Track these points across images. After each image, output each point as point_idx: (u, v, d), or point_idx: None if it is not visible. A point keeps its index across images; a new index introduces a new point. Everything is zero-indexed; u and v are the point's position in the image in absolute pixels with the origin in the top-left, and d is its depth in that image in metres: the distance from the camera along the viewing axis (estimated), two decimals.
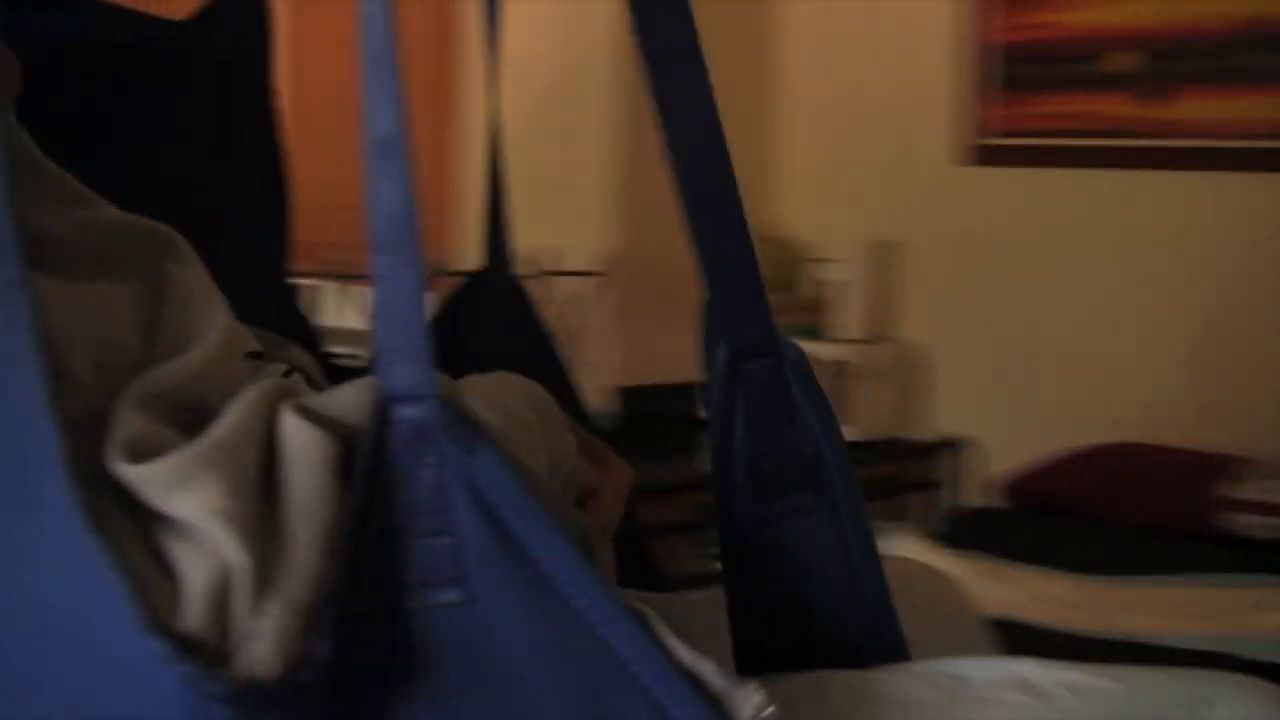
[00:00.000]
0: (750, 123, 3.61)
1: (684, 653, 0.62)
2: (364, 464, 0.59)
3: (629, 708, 0.60)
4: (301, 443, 0.60)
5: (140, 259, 0.70)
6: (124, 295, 0.68)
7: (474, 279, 1.10)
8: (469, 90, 3.26)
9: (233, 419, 0.61)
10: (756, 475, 0.76)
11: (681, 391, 3.35)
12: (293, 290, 1.15)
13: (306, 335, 1.09)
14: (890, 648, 0.79)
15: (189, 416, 0.63)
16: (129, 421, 0.60)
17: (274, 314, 1.06)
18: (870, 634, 0.78)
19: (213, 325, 0.68)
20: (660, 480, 2.72)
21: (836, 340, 3.42)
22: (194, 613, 0.57)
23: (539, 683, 0.60)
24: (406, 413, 0.60)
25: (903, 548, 2.46)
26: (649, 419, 3.17)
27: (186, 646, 0.56)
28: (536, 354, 1.08)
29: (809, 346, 3.03)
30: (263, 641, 0.57)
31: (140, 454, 0.59)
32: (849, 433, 3.17)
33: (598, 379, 3.13)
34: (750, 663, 0.78)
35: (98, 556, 0.54)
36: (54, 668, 0.58)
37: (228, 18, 1.06)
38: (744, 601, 0.78)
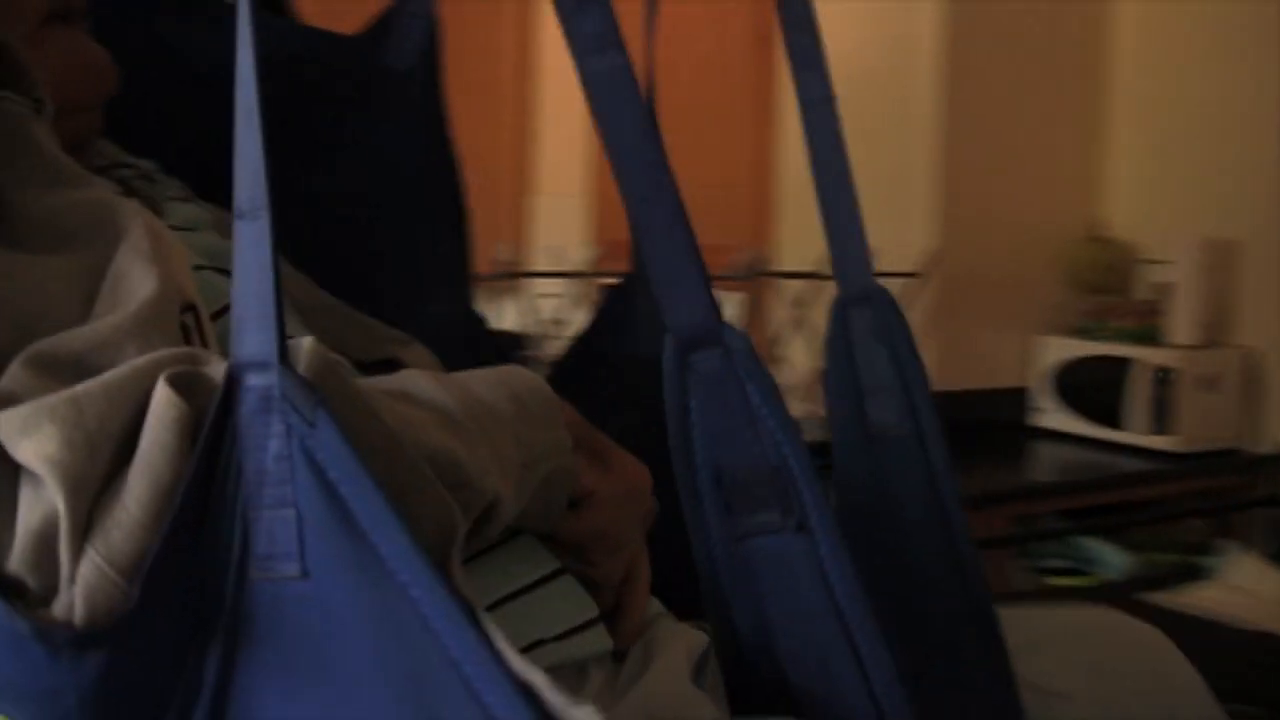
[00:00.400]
0: (1079, 122, 3.51)
1: (517, 661, 0.57)
2: (207, 429, 0.59)
3: (453, 705, 0.57)
4: (156, 404, 0.61)
5: (95, 238, 0.72)
6: (71, 272, 0.70)
7: (619, 287, 1.09)
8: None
9: (101, 379, 0.62)
10: (719, 486, 0.67)
11: (1003, 396, 3.28)
12: (471, 294, 1.16)
13: (484, 339, 1.11)
14: (888, 707, 0.68)
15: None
16: (9, 375, 0.63)
17: (450, 318, 1.10)
18: (855, 686, 0.68)
19: (136, 301, 0.68)
20: (981, 491, 2.66)
21: (1169, 345, 3.28)
22: (19, 554, 0.60)
23: (368, 666, 0.59)
24: (254, 380, 0.60)
25: (1239, 569, 2.34)
26: (968, 426, 3.11)
27: (8, 584, 0.59)
28: None
29: (1140, 352, 2.89)
30: (75, 588, 0.59)
31: (6, 403, 0.61)
32: (1170, 443, 3.08)
33: None
34: (738, 703, 0.72)
35: None
36: None
37: (398, 30, 1.09)
38: (722, 633, 0.70)
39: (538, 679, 0.57)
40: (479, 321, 1.17)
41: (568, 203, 3.93)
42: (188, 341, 0.69)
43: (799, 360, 3.10)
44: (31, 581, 0.60)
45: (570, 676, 0.82)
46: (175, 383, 0.61)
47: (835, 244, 0.87)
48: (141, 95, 0.81)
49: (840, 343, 0.86)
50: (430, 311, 1.10)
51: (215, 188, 0.97)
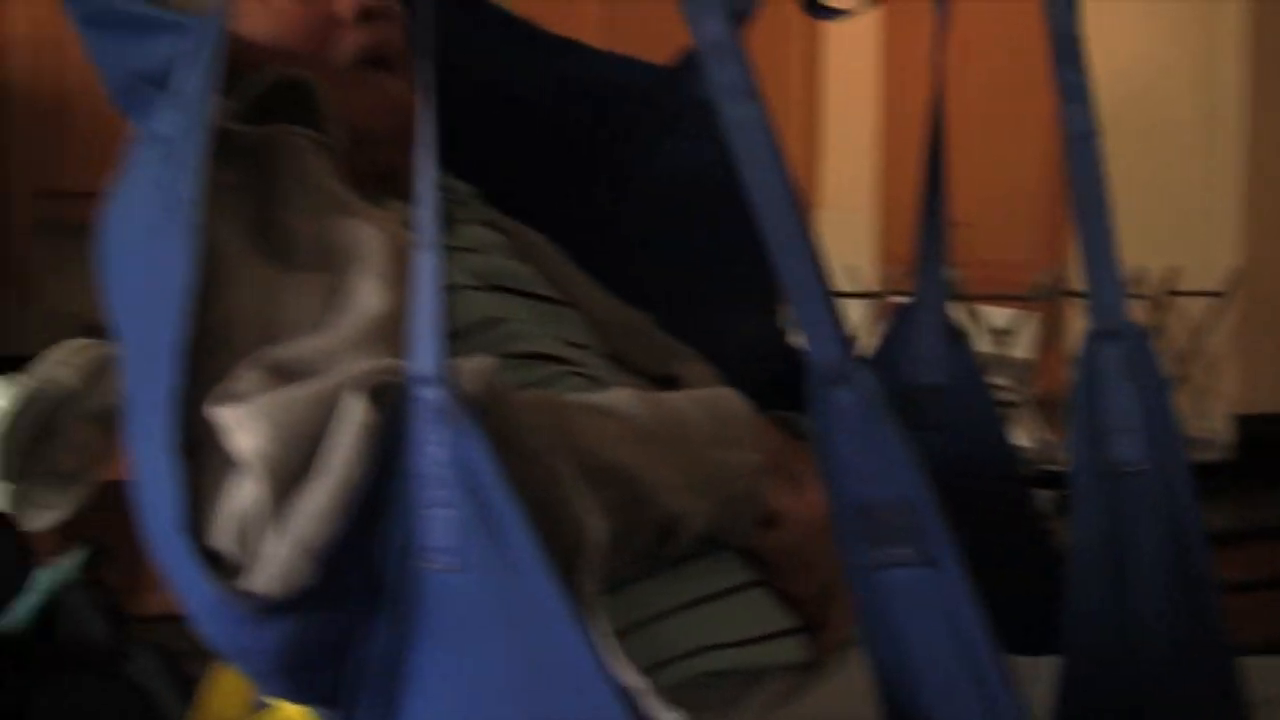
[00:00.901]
0: None
1: (622, 665, 0.65)
2: (383, 435, 0.68)
3: (563, 694, 0.65)
4: (346, 410, 0.69)
5: (341, 260, 0.81)
6: (315, 288, 0.80)
7: (905, 309, 1.12)
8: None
9: (312, 386, 0.71)
10: (860, 517, 0.70)
11: None
12: (776, 313, 1.20)
13: (786, 356, 1.15)
14: None
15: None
16: (242, 376, 0.73)
17: (755, 337, 1.16)
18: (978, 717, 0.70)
19: (359, 316, 0.77)
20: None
21: None
22: (223, 531, 0.70)
23: (500, 659, 0.67)
24: (424, 394, 0.68)
25: None
26: (1274, 450, 3.00)
27: (210, 554, 0.70)
28: (965, 391, 1.09)
29: None
30: (268, 565, 0.69)
31: (233, 400, 0.71)
32: None
33: (1213, 406, 3.01)
34: None
35: (171, 471, 0.70)
36: (160, 558, 0.75)
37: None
38: (869, 656, 0.73)
39: (638, 683, 0.65)
40: (782, 339, 1.21)
41: (854, 218, 3.94)
42: None
43: None
44: (231, 556, 0.70)
45: (744, 680, 0.86)
46: (365, 393, 0.69)
47: (1091, 278, 0.88)
48: (460, 125, 0.84)
49: (1087, 376, 0.87)
50: (735, 330, 1.16)
51: (510, 206, 1.09)
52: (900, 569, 0.69)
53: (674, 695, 0.72)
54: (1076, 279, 3.13)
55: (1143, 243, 3.18)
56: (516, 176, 1.11)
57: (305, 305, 0.79)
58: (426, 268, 0.69)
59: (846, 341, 0.70)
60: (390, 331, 0.76)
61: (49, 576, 1.99)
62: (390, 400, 0.69)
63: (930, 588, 0.68)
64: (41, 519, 2.68)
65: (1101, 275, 0.87)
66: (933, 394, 1.07)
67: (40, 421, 2.47)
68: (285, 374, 0.73)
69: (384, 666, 0.71)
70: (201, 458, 0.72)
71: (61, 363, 2.52)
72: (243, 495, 0.70)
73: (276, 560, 0.69)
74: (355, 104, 0.97)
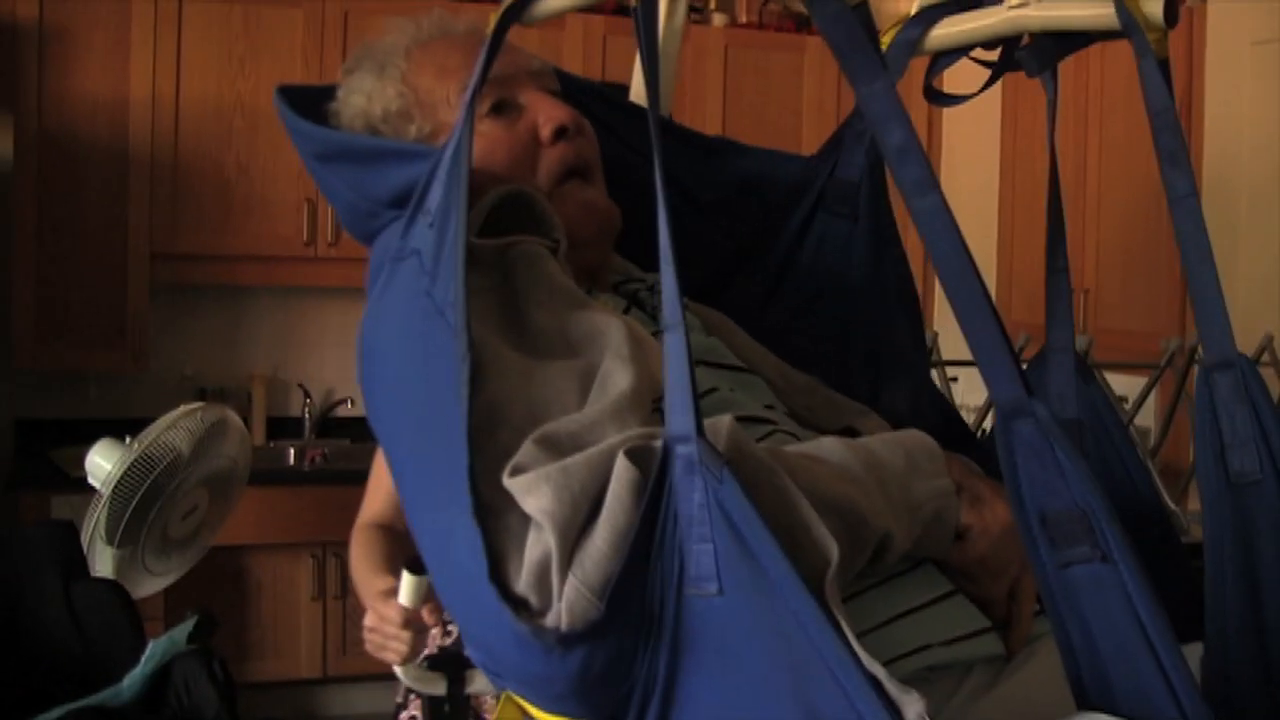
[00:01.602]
0: None
1: (867, 659, 0.75)
2: (650, 486, 0.81)
3: (824, 692, 0.75)
4: (617, 470, 0.81)
5: (589, 347, 0.95)
6: (571, 373, 0.93)
7: (1040, 355, 1.25)
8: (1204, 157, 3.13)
9: (585, 453, 0.84)
10: (1042, 525, 0.81)
11: None
12: (925, 367, 1.36)
13: (937, 406, 1.32)
14: (1189, 710, 0.79)
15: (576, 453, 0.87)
16: (524, 450, 0.85)
17: (908, 388, 1.30)
18: (1161, 690, 0.80)
19: (612, 393, 0.89)
20: None
21: None
22: (525, 579, 0.82)
23: (766, 663, 0.78)
24: (681, 450, 0.80)
25: None
26: None
27: (516, 600, 0.82)
28: (1101, 424, 1.23)
29: None
30: (561, 604, 0.81)
31: (520, 471, 0.84)
32: None
33: None
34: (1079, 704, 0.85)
35: (475, 533, 0.82)
36: (459, 605, 0.91)
37: (848, 146, 1.29)
38: (1060, 644, 0.84)
39: (880, 672, 0.75)
40: (933, 396, 1.36)
41: None
42: (662, 422, 0.89)
43: None
44: (533, 599, 0.82)
45: (955, 673, 0.98)
46: (631, 455, 0.82)
47: (1201, 318, 1.00)
48: (647, 222, 0.92)
49: (1206, 403, 1.00)
50: (892, 384, 1.31)
51: (698, 291, 1.24)
52: (1080, 566, 0.79)
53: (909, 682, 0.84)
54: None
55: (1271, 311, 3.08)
56: (690, 262, 1.20)
57: (561, 387, 0.92)
58: (675, 346, 0.82)
59: (1024, 381, 0.81)
60: (637, 404, 0.89)
61: (162, 647, 1.96)
62: (651, 458, 0.81)
63: (1108, 580, 0.78)
64: (148, 585, 2.68)
65: (1211, 315, 0.99)
66: (1074, 427, 1.20)
67: (149, 486, 2.48)
68: (558, 445, 0.86)
69: (660, 683, 0.83)
70: (499, 520, 0.85)
71: (172, 426, 2.52)
72: (538, 548, 0.83)
73: (568, 599, 0.81)
74: (560, 213, 1.09)
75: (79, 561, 2.20)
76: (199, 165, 3.63)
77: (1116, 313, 3.32)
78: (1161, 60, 1.04)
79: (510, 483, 0.83)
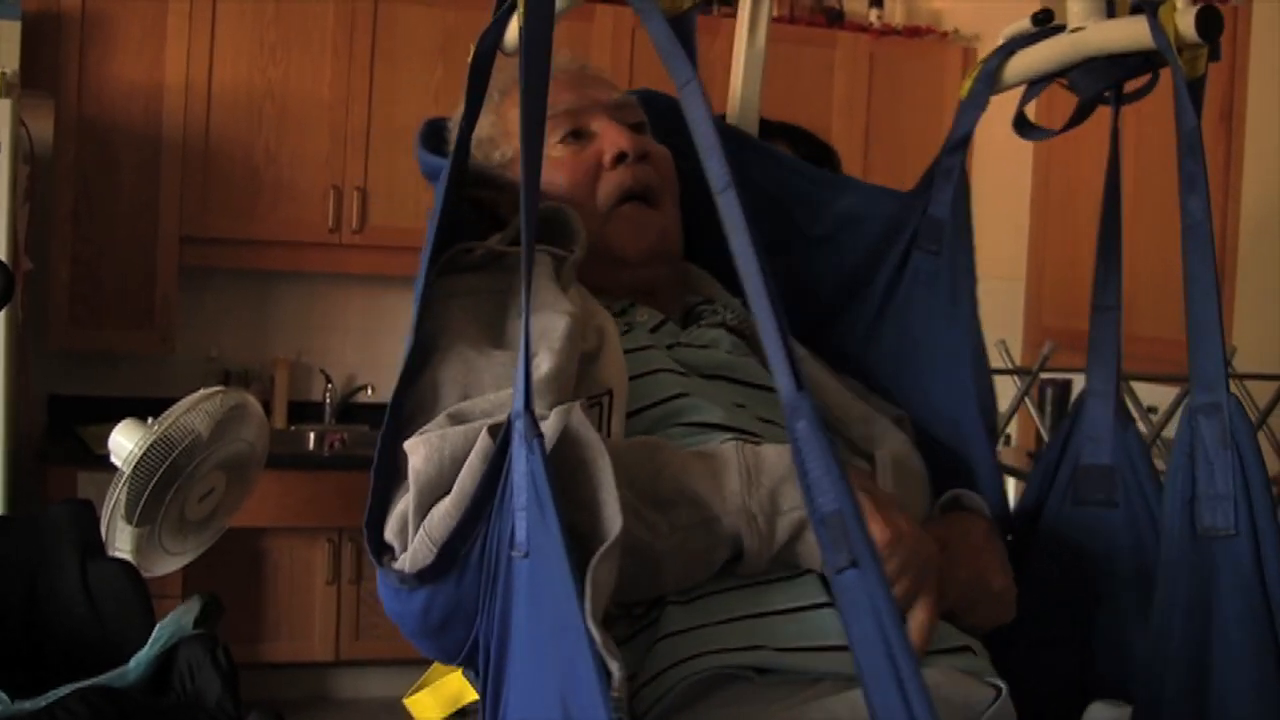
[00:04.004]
0: None
1: (592, 624, 0.82)
2: (492, 455, 0.90)
3: (574, 655, 0.82)
4: (479, 439, 0.92)
5: (537, 342, 1.02)
6: (510, 361, 1.02)
7: (1082, 397, 1.23)
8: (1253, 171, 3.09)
9: (467, 425, 0.95)
10: (824, 526, 0.78)
11: None
12: (988, 383, 1.32)
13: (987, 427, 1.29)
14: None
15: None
16: (434, 422, 0.97)
17: (959, 413, 1.27)
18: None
19: (536, 377, 0.97)
20: None
21: None
22: (390, 527, 0.96)
23: (546, 625, 0.86)
24: (517, 424, 0.87)
25: None
26: None
27: (384, 547, 0.97)
28: (1133, 471, 1.18)
29: None
30: (408, 553, 0.94)
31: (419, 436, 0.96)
32: None
33: None
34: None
35: (371, 487, 0.97)
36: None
37: (939, 184, 1.30)
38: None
39: (597, 635, 0.81)
40: (977, 413, 1.31)
41: (1005, 286, 3.86)
42: (598, 415, 1.03)
43: None
44: (395, 545, 0.96)
45: (794, 679, 0.96)
46: (493, 428, 0.91)
47: (1195, 354, 0.98)
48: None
49: (1185, 447, 0.99)
50: (956, 403, 1.28)
51: (807, 323, 1.24)
52: (847, 571, 0.76)
53: (724, 677, 0.94)
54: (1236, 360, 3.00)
55: None
56: (804, 294, 1.31)
57: (499, 374, 1.03)
58: (540, 332, 0.94)
59: (796, 378, 0.79)
60: (551, 389, 0.98)
61: (168, 630, 1.97)
62: (505, 432, 0.90)
63: (858, 587, 0.75)
64: (165, 565, 2.69)
65: (1205, 354, 0.98)
66: (1104, 473, 1.18)
67: (168, 467, 2.48)
68: (463, 419, 0.97)
69: (495, 636, 0.92)
70: (393, 479, 0.98)
71: (192, 409, 2.53)
72: (404, 500, 0.95)
73: (413, 547, 0.94)
74: (613, 233, 1.23)
75: (96, 541, 2.22)
76: (229, 151, 3.65)
77: (1148, 319, 3.28)
78: (1193, 79, 1.02)
79: (405, 445, 0.96)
